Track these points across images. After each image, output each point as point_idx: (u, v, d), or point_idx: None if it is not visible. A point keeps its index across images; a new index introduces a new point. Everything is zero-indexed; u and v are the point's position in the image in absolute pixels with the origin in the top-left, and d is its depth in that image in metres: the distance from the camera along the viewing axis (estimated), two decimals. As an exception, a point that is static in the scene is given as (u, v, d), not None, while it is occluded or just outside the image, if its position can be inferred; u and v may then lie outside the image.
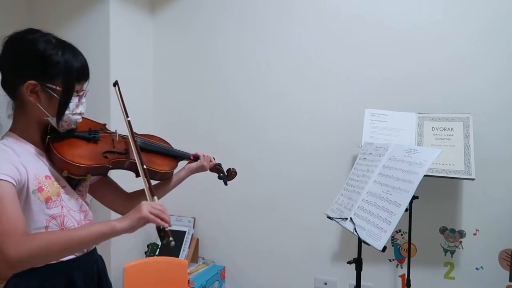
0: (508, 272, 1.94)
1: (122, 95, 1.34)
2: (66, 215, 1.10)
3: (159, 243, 2.44)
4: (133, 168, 1.27)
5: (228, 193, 2.44)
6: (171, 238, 1.02)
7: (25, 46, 1.04)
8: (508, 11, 1.90)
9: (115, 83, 1.36)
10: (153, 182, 1.40)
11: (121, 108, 1.32)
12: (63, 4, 2.29)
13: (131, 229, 1.03)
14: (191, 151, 1.52)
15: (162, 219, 1.04)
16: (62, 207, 1.09)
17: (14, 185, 0.97)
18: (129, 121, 1.29)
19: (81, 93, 1.13)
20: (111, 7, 2.21)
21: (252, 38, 2.39)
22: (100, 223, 1.03)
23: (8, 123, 1.12)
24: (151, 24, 2.61)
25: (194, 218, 2.53)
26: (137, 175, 1.25)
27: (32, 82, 1.03)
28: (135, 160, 1.23)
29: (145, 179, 1.18)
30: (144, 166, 1.21)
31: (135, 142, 1.25)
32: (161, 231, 1.05)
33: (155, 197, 1.14)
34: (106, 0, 2.20)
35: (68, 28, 2.26)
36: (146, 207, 1.05)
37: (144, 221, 1.03)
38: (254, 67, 2.39)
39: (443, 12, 2.00)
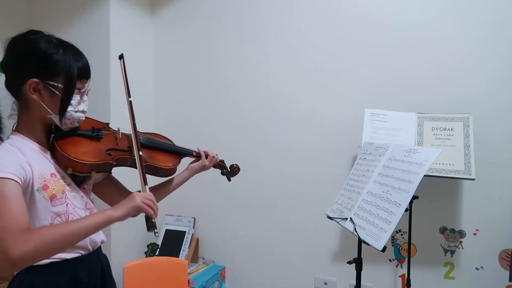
0: (508, 272, 1.94)
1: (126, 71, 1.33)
2: (71, 213, 1.11)
3: (159, 243, 2.45)
4: (136, 165, 1.28)
5: (228, 193, 2.44)
6: (156, 230, 1.11)
7: (26, 46, 1.06)
8: (508, 11, 1.90)
9: (121, 56, 1.35)
10: (156, 181, 1.41)
11: (124, 83, 1.32)
12: (63, 4, 2.29)
13: (125, 217, 1.08)
14: (193, 149, 1.53)
15: (152, 209, 1.12)
16: (67, 204, 1.10)
17: (19, 183, 0.98)
18: (130, 101, 1.30)
19: (82, 90, 1.14)
20: (111, 7, 2.21)
21: (252, 38, 2.39)
22: (96, 213, 1.07)
23: (10, 124, 1.13)
24: (151, 24, 2.61)
25: (194, 218, 2.53)
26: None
27: (34, 80, 1.04)
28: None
29: (140, 165, 1.21)
30: (140, 153, 1.24)
31: (133, 123, 1.28)
32: (149, 220, 1.11)
33: (147, 187, 1.19)
34: (106, 0, 2.20)
35: (68, 28, 2.26)
36: (139, 197, 1.10)
37: (137, 209, 1.09)
38: (254, 67, 2.39)
39: (443, 12, 2.00)
